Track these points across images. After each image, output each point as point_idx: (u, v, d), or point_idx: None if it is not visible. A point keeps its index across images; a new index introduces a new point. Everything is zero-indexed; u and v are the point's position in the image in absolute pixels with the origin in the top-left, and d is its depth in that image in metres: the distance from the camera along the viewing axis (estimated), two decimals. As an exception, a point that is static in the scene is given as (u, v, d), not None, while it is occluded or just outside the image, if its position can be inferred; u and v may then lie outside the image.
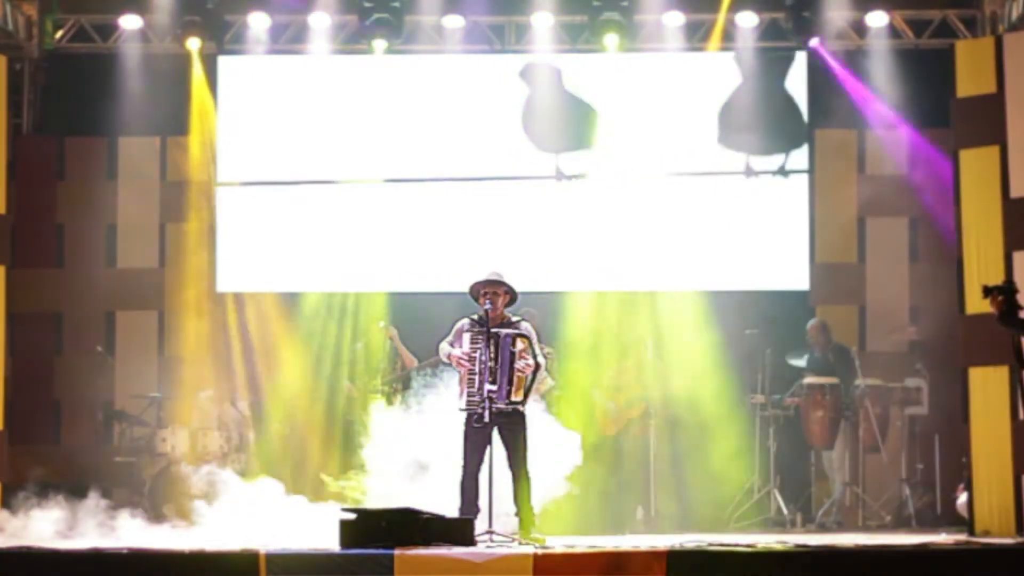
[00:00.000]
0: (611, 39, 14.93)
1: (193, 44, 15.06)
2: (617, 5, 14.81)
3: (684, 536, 11.70)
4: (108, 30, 15.43)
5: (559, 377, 13.29)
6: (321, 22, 15.20)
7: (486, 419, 10.60)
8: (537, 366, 10.76)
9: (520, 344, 10.75)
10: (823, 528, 13.81)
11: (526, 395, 10.75)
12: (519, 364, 10.71)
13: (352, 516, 10.01)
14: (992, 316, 10.29)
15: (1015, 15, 14.08)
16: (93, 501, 12.51)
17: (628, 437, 14.24)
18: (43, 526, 12.14)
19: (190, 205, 15.38)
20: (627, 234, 15.21)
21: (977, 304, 11.23)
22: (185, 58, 15.28)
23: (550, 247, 15.17)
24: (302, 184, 15.40)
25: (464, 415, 10.81)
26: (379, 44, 15.04)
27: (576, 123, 15.32)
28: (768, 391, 14.47)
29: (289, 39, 15.49)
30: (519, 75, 15.33)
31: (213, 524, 12.75)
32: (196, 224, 15.39)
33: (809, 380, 14.31)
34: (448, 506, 10.76)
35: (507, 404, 10.70)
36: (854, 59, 15.24)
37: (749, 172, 15.22)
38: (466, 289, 11.12)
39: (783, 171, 15.23)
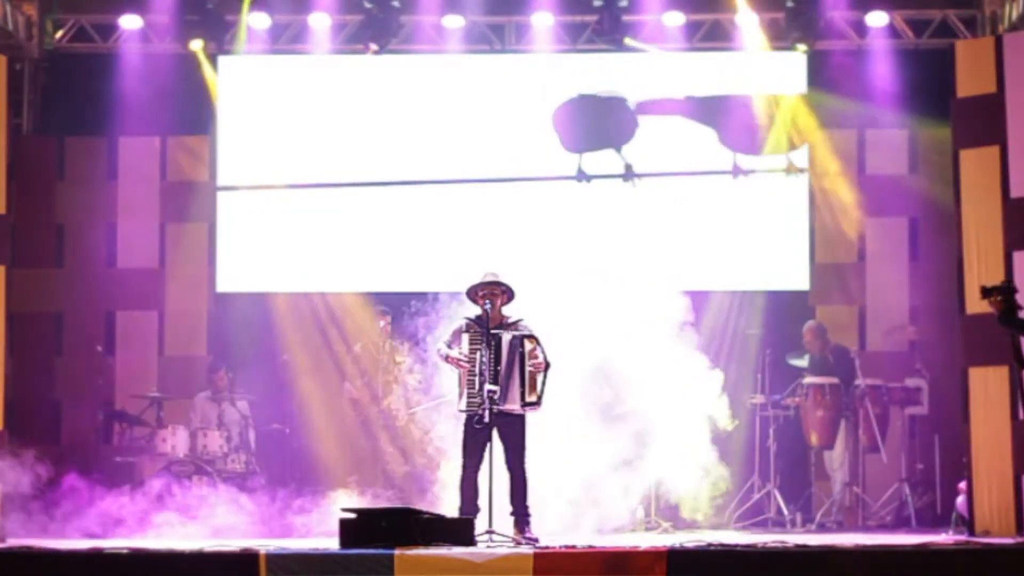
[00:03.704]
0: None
1: (195, 44, 15.03)
2: (617, 5, 14.82)
3: (684, 536, 11.70)
4: (108, 30, 15.44)
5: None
6: (321, 22, 15.21)
7: (486, 419, 10.61)
8: (547, 365, 10.78)
9: (528, 344, 10.77)
10: (823, 528, 13.81)
11: (540, 395, 10.76)
12: (530, 365, 10.73)
13: (352, 516, 10.02)
14: (992, 316, 10.30)
15: (1015, 15, 14.09)
16: None
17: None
18: None
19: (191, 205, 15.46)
20: (626, 234, 15.20)
21: (977, 304, 11.23)
22: (185, 58, 15.28)
23: (549, 247, 15.15)
24: (301, 188, 15.40)
25: (464, 416, 10.83)
26: (371, 45, 15.00)
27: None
28: (768, 391, 14.47)
29: (289, 39, 15.50)
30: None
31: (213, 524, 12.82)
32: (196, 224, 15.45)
33: (809, 380, 14.31)
34: (448, 506, 10.79)
35: (522, 406, 10.70)
36: (854, 59, 15.24)
37: (748, 171, 15.24)
38: (462, 289, 11.15)
39: (789, 169, 15.28)
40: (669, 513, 13.55)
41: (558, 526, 12.33)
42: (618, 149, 15.26)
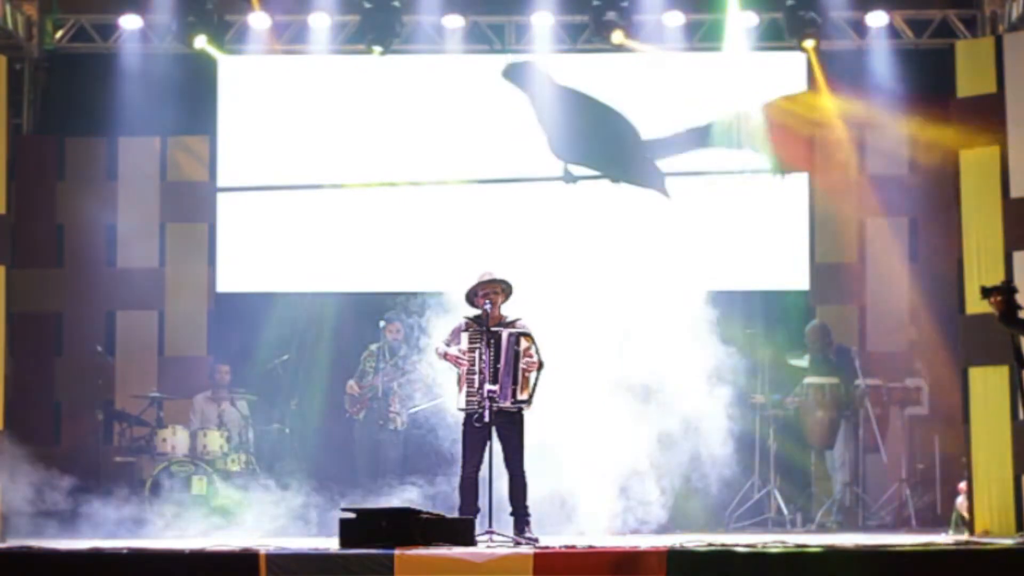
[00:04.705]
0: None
1: (200, 42, 14.99)
2: (617, 5, 14.82)
3: (684, 536, 11.70)
4: (108, 30, 15.43)
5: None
6: (321, 22, 15.21)
7: (486, 419, 10.61)
8: (540, 364, 10.77)
9: (524, 343, 10.77)
10: (823, 528, 13.81)
11: (531, 394, 10.76)
12: (523, 363, 10.72)
13: (352, 516, 10.01)
14: (992, 316, 10.29)
15: (1015, 15, 14.09)
16: None
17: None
18: None
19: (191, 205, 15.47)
20: (626, 235, 15.20)
21: (977, 304, 11.23)
22: (185, 58, 15.26)
23: (550, 248, 15.14)
24: (301, 188, 15.40)
25: (463, 414, 10.83)
26: (376, 48, 15.02)
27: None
28: (768, 391, 14.48)
29: (289, 39, 15.50)
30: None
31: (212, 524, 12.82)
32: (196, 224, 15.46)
33: (809, 380, 14.32)
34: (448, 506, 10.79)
35: (513, 404, 10.71)
36: (854, 59, 15.24)
37: (744, 172, 15.26)
38: (462, 289, 11.15)
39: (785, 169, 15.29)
40: (678, 511, 13.59)
41: (578, 526, 12.38)
42: (615, 180, 15.28)
